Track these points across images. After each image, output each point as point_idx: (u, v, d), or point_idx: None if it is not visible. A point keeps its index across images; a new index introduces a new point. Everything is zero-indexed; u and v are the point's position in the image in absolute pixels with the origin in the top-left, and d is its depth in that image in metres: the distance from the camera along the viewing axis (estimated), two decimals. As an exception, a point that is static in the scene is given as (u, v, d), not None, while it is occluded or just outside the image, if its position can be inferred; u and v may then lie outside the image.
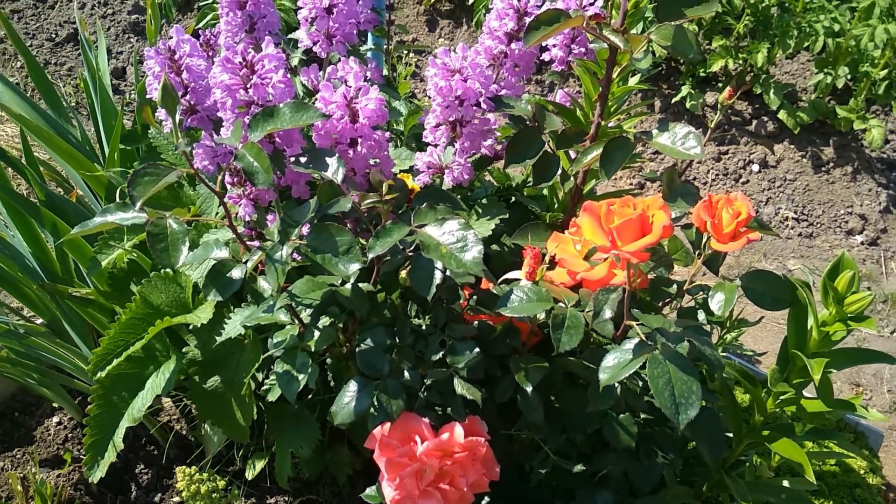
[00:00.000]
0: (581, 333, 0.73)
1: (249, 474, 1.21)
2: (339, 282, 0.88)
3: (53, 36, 2.66)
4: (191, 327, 1.09)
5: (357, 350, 0.84)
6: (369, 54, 1.43)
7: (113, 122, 1.25)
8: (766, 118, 2.41)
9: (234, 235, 0.82)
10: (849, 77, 2.31)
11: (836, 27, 2.23)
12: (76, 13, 2.45)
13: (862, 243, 2.20)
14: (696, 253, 0.90)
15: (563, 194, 1.18)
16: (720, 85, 2.47)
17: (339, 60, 1.10)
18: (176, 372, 1.06)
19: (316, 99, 0.90)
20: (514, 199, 1.23)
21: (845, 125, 2.30)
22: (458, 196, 1.22)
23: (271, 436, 1.17)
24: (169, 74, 0.97)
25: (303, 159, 0.86)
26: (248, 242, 0.92)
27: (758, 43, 2.29)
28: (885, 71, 2.23)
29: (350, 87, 0.91)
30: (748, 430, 0.98)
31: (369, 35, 1.42)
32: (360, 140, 0.91)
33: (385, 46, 1.39)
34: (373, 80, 1.24)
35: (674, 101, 2.41)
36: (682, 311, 0.93)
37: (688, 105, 2.37)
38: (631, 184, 2.38)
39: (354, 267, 0.76)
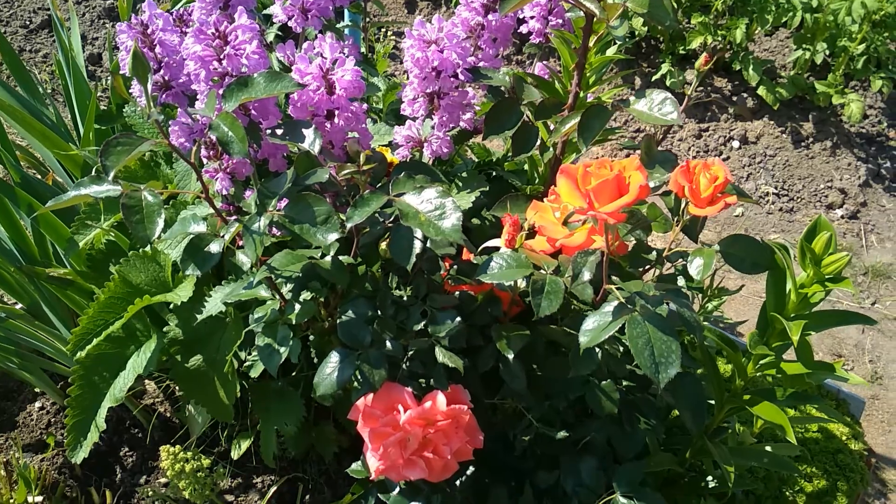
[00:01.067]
0: (560, 298, 0.73)
1: (235, 454, 1.21)
2: (319, 255, 0.87)
3: (28, 23, 2.62)
4: (171, 306, 1.08)
5: (339, 321, 0.84)
6: (346, 31, 1.42)
7: (87, 102, 1.23)
8: (745, 94, 2.42)
9: (212, 209, 0.82)
10: (827, 52, 2.32)
11: (814, 2, 2.24)
12: (50, -2, 2.41)
13: (842, 217, 2.22)
14: (675, 219, 0.90)
15: (542, 167, 1.18)
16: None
17: (316, 37, 1.09)
18: (157, 351, 1.06)
19: (292, 71, 0.89)
20: (494, 173, 1.23)
21: (824, 100, 2.31)
22: (443, 170, 1.22)
23: (256, 414, 1.17)
24: (142, 49, 0.96)
25: (279, 131, 0.85)
26: (226, 217, 0.91)
27: (736, 19, 2.30)
28: (863, 45, 2.24)
29: (326, 58, 0.90)
30: (729, 396, 0.99)
31: (346, 12, 1.40)
32: (337, 112, 0.90)
33: (362, 23, 1.38)
34: (349, 54, 1.23)
35: (654, 78, 2.41)
36: (662, 277, 0.93)
37: (668, 83, 2.37)
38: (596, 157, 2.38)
39: (333, 236, 0.75)
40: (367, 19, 1.38)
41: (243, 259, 0.84)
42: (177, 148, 0.77)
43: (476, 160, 1.29)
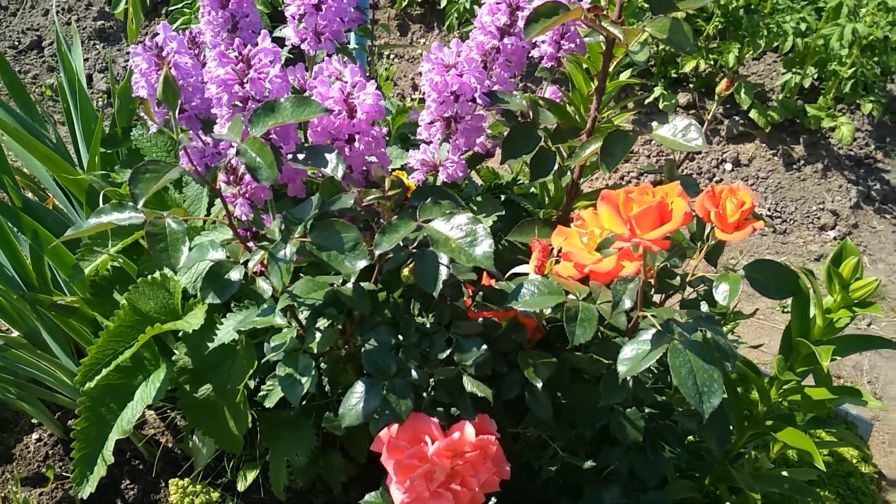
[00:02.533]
0: (594, 326, 0.72)
1: (241, 486, 1.18)
2: (340, 281, 0.86)
3: (16, 43, 2.59)
4: (180, 334, 1.05)
5: (363, 350, 0.82)
6: (354, 54, 1.41)
7: (92, 125, 1.21)
8: (737, 117, 2.44)
9: (234, 235, 0.80)
10: (815, 77, 2.36)
11: (804, 27, 2.27)
12: (54, 15, 2.39)
13: (835, 238, 2.24)
14: (699, 244, 0.90)
15: (555, 190, 1.17)
16: (691, 85, 2.50)
17: (324, 59, 1.08)
18: (166, 381, 1.03)
19: (312, 95, 0.88)
20: (504, 196, 1.23)
21: (815, 123, 2.34)
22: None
23: (266, 444, 1.14)
24: (155, 72, 0.94)
25: (300, 156, 0.84)
26: (247, 244, 0.90)
27: (728, 43, 2.33)
28: (852, 70, 2.27)
29: (346, 82, 0.89)
30: (751, 422, 0.98)
31: (352, 34, 1.40)
32: (357, 136, 0.89)
33: (368, 46, 1.37)
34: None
35: (647, 101, 2.43)
36: (685, 303, 0.93)
37: (661, 106, 2.39)
38: (607, 184, 2.40)
39: (361, 263, 0.74)
40: (374, 43, 1.38)
41: (264, 286, 0.82)
42: (201, 174, 0.75)
43: (483, 183, 1.28)
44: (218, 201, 0.94)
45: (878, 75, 2.37)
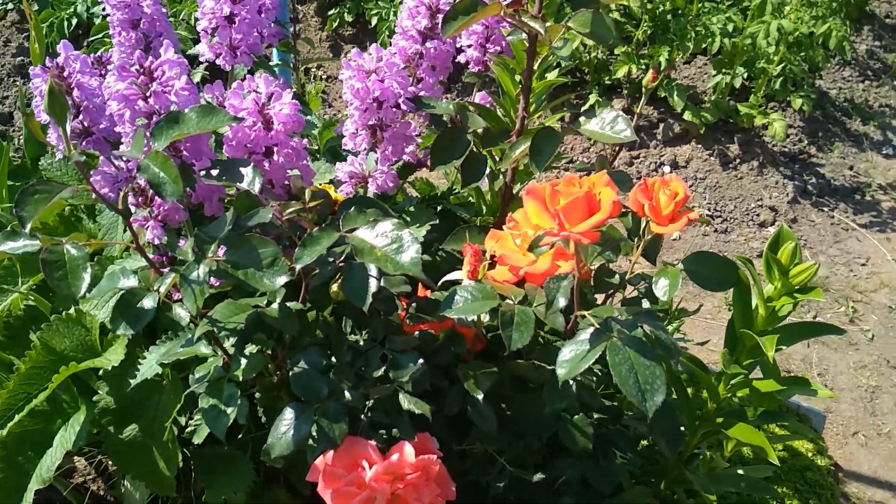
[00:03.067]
0: (532, 329, 0.69)
1: (179, 529, 1.11)
2: (265, 302, 0.81)
3: (-72, 83, 2.47)
4: (101, 372, 0.99)
5: (291, 374, 0.77)
6: (277, 70, 1.36)
7: (-2, 157, 1.14)
8: (671, 121, 2.46)
9: (145, 260, 0.74)
10: (745, 76, 2.39)
11: (731, 27, 2.31)
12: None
13: (775, 234, 2.26)
14: (636, 240, 0.88)
15: (491, 197, 1.14)
16: (625, 91, 2.51)
17: (245, 77, 1.04)
18: (87, 424, 0.96)
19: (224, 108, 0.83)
20: (441, 207, 1.19)
21: (748, 121, 2.37)
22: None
23: (201, 483, 1.07)
24: (56, 93, 0.88)
25: (214, 172, 0.79)
26: (160, 268, 0.84)
27: (658, 47, 2.35)
28: (781, 66, 2.31)
29: (261, 92, 0.85)
30: (702, 420, 0.95)
31: (275, 51, 1.35)
32: (276, 148, 0.85)
33: (292, 62, 1.33)
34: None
35: (583, 108, 2.43)
36: (626, 301, 0.90)
37: (597, 113, 2.40)
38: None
39: (281, 280, 0.69)
40: (298, 58, 1.33)
41: (181, 313, 0.77)
42: (107, 197, 0.70)
43: (419, 195, 1.24)
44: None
45: (805, 71, 2.42)
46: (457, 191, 1.25)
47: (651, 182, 0.81)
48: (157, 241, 0.81)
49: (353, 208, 0.75)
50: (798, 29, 2.20)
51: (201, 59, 1.05)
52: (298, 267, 0.70)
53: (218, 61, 1.04)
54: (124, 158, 0.73)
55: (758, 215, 2.30)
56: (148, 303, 0.76)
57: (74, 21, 2.34)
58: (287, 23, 1.26)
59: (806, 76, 2.45)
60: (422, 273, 0.69)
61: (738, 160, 2.41)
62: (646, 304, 0.88)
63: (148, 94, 0.76)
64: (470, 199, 1.23)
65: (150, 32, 1.12)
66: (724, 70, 2.35)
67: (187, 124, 0.70)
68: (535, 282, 0.76)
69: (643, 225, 0.84)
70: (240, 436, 1.05)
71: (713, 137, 2.45)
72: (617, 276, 0.85)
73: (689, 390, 1.27)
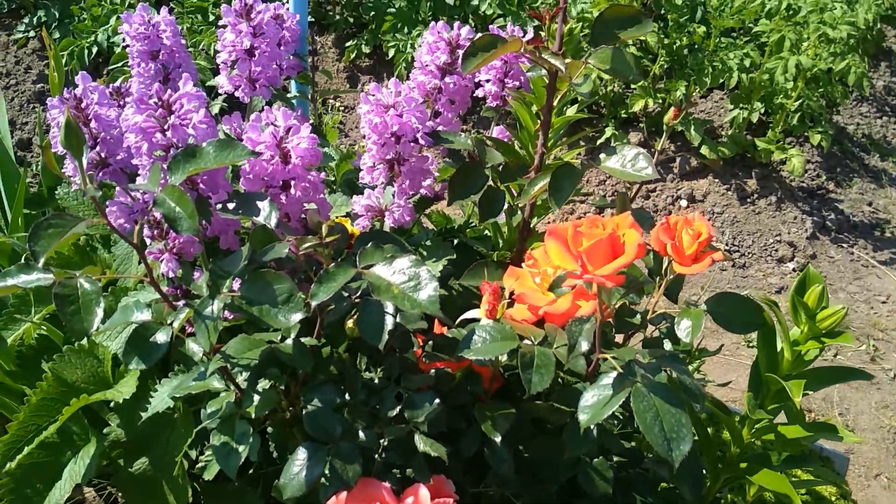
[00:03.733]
0: (552, 372, 0.67)
1: (186, 566, 1.08)
2: (279, 338, 0.79)
3: (-50, 109, 2.50)
4: (112, 404, 0.98)
5: (304, 412, 0.75)
6: (294, 102, 1.37)
7: (15, 185, 1.14)
8: (688, 154, 2.45)
9: (158, 294, 0.73)
10: (762, 111, 2.38)
11: (748, 62, 2.30)
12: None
13: (794, 270, 2.23)
14: (657, 279, 0.86)
15: (508, 231, 1.13)
16: (642, 125, 2.51)
17: (263, 109, 1.04)
18: (97, 457, 0.95)
19: (243, 141, 0.83)
20: (457, 241, 1.18)
21: (766, 157, 2.36)
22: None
23: (210, 519, 1.05)
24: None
25: (231, 205, 0.78)
26: (174, 302, 0.83)
27: (675, 82, 2.35)
28: (799, 102, 2.30)
29: (279, 126, 0.84)
30: (725, 464, 0.93)
31: (293, 83, 1.36)
32: (293, 182, 0.84)
33: (310, 94, 1.33)
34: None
35: (599, 142, 2.43)
36: (647, 342, 0.88)
37: (617, 150, 2.39)
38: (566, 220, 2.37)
39: (296, 317, 0.68)
40: (315, 89, 1.34)
41: (194, 348, 0.75)
42: (122, 229, 0.69)
43: (435, 228, 1.23)
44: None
45: (823, 107, 2.41)
46: (473, 224, 1.24)
47: (674, 221, 0.80)
48: (171, 275, 0.80)
49: (370, 244, 0.74)
50: (816, 65, 2.19)
51: (220, 91, 1.05)
52: (314, 304, 0.69)
53: (237, 93, 1.04)
54: (141, 191, 0.72)
55: (776, 251, 2.27)
56: (161, 337, 0.75)
57: (95, 49, 2.36)
58: (305, 55, 1.27)
59: (823, 112, 2.43)
60: (440, 311, 0.67)
61: (755, 195, 2.39)
62: (667, 345, 0.86)
63: (166, 127, 0.76)
64: (486, 232, 1.22)
65: (169, 63, 1.13)
66: (741, 105, 2.34)
67: (204, 158, 0.69)
68: (555, 322, 0.75)
69: (665, 264, 0.82)
70: (251, 471, 1.03)
71: (730, 172, 2.43)
72: (638, 316, 0.83)
73: (709, 430, 1.24)
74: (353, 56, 2.73)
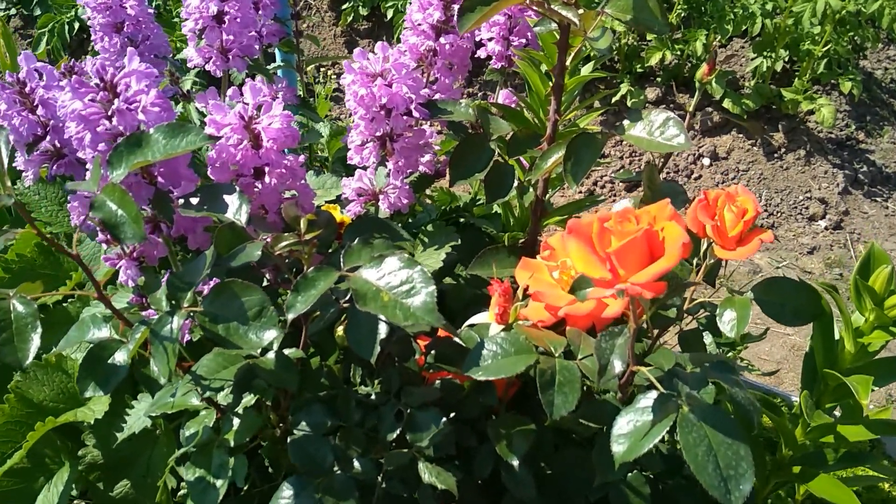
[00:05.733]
0: (578, 390, 0.56)
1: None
2: (260, 351, 0.69)
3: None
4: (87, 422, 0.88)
5: (289, 440, 0.65)
6: (280, 73, 1.24)
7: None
8: (710, 108, 2.31)
9: (108, 308, 0.63)
10: (786, 59, 2.23)
11: (771, 6, 2.14)
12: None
13: (826, 228, 2.10)
14: (694, 262, 0.74)
15: (520, 209, 1.01)
16: (659, 80, 2.36)
17: (244, 82, 0.92)
18: (71, 481, 0.85)
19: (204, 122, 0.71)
20: (463, 220, 1.06)
21: (793, 108, 2.21)
22: (399, 224, 1.05)
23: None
24: (17, 113, 0.77)
25: (194, 200, 0.67)
26: (143, 313, 0.73)
27: (694, 31, 2.19)
28: (826, 48, 2.14)
29: (248, 104, 0.72)
30: (774, 467, 0.82)
31: (277, 51, 1.23)
32: (267, 168, 0.72)
33: (296, 63, 1.21)
34: (285, 96, 1.06)
35: (614, 100, 2.29)
36: (685, 335, 0.77)
37: (629, 103, 2.25)
38: (580, 192, 2.24)
39: (270, 334, 0.57)
40: (302, 58, 1.21)
41: (158, 370, 0.65)
42: (78, 222, 0.58)
43: (440, 207, 1.11)
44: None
45: (851, 52, 2.25)
46: (481, 201, 1.12)
47: (713, 196, 0.68)
48: (130, 283, 0.70)
49: (356, 240, 0.63)
50: (846, 6, 2.03)
51: (189, 65, 0.93)
52: (290, 317, 0.58)
53: (207, 66, 0.92)
54: (68, 189, 0.61)
55: (807, 208, 2.14)
56: (120, 357, 0.65)
57: (77, 25, 2.24)
58: (288, 20, 1.14)
59: (851, 57, 2.27)
60: (440, 320, 0.56)
61: (782, 149, 2.25)
62: (707, 337, 0.75)
63: (110, 112, 0.64)
64: (497, 209, 1.10)
65: (136, 36, 1.01)
66: (765, 53, 2.18)
67: (152, 148, 0.58)
68: (578, 324, 0.63)
69: (704, 247, 0.70)
70: (243, 490, 0.93)
71: (756, 125, 2.29)
72: (674, 309, 0.71)
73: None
74: (350, 19, 2.58)
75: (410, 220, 1.06)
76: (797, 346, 1.73)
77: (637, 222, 0.51)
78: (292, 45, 1.16)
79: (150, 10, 1.02)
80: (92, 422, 0.83)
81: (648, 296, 0.49)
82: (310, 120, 1.12)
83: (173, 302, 0.59)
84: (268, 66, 1.18)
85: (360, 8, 2.55)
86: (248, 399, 0.74)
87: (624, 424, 0.52)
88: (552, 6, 0.72)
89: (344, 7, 2.59)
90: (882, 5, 2.00)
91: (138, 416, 0.82)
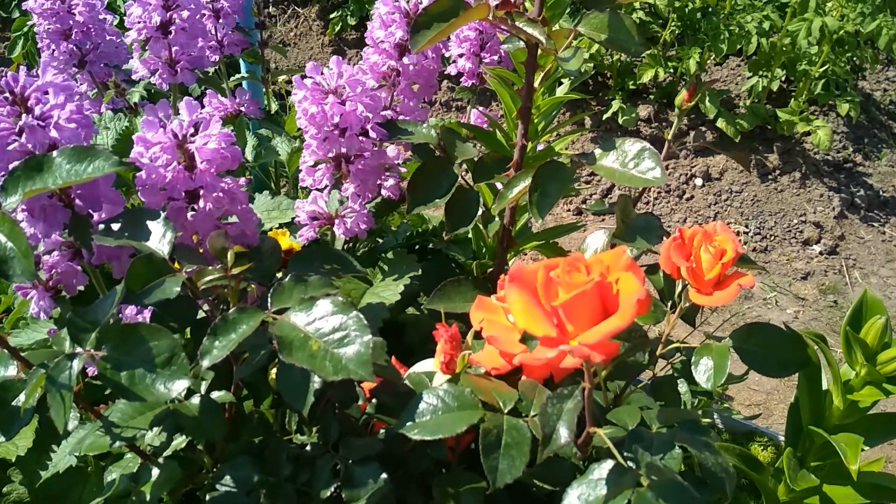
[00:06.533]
0: (526, 453, 0.49)
1: None
2: (183, 394, 0.62)
3: None
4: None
5: (208, 497, 0.58)
6: (244, 84, 1.18)
7: None
8: (703, 128, 2.25)
9: (3, 347, 0.56)
10: (783, 79, 2.17)
11: (768, 25, 2.09)
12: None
13: (821, 253, 2.04)
14: (668, 304, 0.68)
15: (490, 237, 0.95)
16: (652, 97, 2.30)
17: (203, 93, 0.86)
18: (-10, 524, 0.78)
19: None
20: (431, 246, 1.00)
21: (788, 129, 2.15)
22: (366, 248, 0.98)
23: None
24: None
25: (115, 226, 0.60)
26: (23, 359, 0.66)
27: (688, 49, 2.14)
28: (823, 68, 2.09)
29: (183, 121, 0.66)
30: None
31: (241, 62, 1.17)
32: (201, 192, 0.66)
33: (262, 75, 1.15)
34: (242, 112, 1.00)
35: (605, 117, 2.23)
36: (659, 382, 0.70)
37: (620, 121, 2.19)
38: (569, 209, 2.18)
39: (179, 385, 0.50)
40: (270, 70, 1.15)
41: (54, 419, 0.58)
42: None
43: (413, 228, 1.05)
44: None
45: (849, 73, 2.20)
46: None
47: (689, 234, 0.61)
48: (43, 316, 0.63)
49: (288, 277, 0.56)
50: (843, 27, 1.98)
51: (134, 77, 0.87)
52: (206, 364, 0.51)
53: (153, 79, 0.86)
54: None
55: (801, 232, 2.07)
56: (24, 399, 0.58)
57: (56, 29, 2.17)
58: (252, 29, 1.08)
59: (849, 78, 2.22)
60: (371, 375, 0.50)
61: (777, 171, 2.19)
62: (684, 386, 0.68)
63: (19, 128, 0.58)
64: (469, 235, 1.04)
65: (83, 44, 0.95)
66: (760, 72, 2.13)
67: (53, 173, 0.51)
68: (535, 374, 0.57)
69: (679, 288, 0.64)
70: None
71: (750, 146, 2.23)
72: (645, 356, 0.65)
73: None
74: (338, 28, 2.53)
75: (376, 244, 1.00)
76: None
77: (588, 272, 0.44)
78: (257, 55, 1.10)
79: (105, 17, 0.96)
80: (14, 459, 0.76)
81: (598, 358, 0.42)
82: (273, 134, 1.06)
83: (74, 343, 0.52)
84: (233, 77, 1.12)
85: (349, 17, 2.50)
86: (179, 441, 0.67)
87: (574, 499, 0.45)
88: (517, 23, 0.66)
89: (332, 16, 2.54)
90: (880, 25, 1.95)
91: (63, 456, 0.76)
